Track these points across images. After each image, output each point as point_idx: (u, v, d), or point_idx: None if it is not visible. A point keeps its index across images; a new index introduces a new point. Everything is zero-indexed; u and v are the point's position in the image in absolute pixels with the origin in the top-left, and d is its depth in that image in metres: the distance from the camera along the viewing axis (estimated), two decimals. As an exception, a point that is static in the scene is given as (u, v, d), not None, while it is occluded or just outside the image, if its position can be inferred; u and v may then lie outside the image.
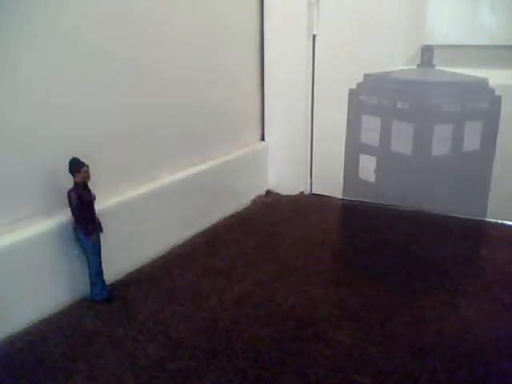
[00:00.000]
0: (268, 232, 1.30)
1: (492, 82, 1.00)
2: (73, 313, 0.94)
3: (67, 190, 0.91)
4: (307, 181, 1.61)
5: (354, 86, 1.07)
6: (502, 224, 1.33)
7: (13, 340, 0.86)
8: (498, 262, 1.13)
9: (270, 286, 1.03)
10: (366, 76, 1.06)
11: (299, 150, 1.57)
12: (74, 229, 0.94)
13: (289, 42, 1.48)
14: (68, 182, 0.92)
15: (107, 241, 0.99)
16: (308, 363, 0.80)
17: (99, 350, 0.83)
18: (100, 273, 0.97)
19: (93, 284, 0.96)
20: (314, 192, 1.62)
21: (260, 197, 1.57)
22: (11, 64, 0.85)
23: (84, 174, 0.91)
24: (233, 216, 1.41)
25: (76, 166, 0.91)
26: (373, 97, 1.00)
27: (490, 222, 1.24)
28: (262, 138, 1.61)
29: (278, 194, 1.60)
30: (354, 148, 1.07)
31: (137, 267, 1.11)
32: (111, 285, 1.02)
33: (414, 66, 1.06)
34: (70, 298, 0.97)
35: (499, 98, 0.98)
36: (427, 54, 1.03)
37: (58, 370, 0.79)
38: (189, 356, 0.82)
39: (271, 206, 1.51)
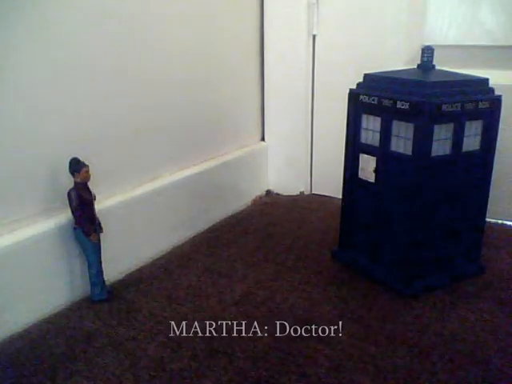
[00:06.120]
0: (268, 232, 1.30)
1: (492, 82, 1.00)
2: (73, 313, 0.94)
3: (67, 190, 0.91)
4: (307, 181, 1.61)
5: (353, 86, 1.06)
6: (502, 224, 1.34)
7: (13, 340, 0.86)
8: (498, 261, 1.13)
9: (269, 286, 1.03)
10: (366, 76, 1.05)
11: (299, 150, 1.57)
12: (74, 229, 0.94)
13: (289, 42, 1.48)
14: (68, 182, 0.92)
15: (107, 241, 1.00)
16: (308, 363, 0.80)
17: (99, 350, 0.83)
18: (100, 273, 0.97)
19: (93, 284, 0.97)
20: (314, 192, 1.62)
21: (260, 197, 1.57)
22: (12, 65, 0.85)
23: (84, 174, 0.91)
24: (233, 216, 1.42)
25: (76, 166, 0.91)
26: (373, 97, 1.00)
27: (490, 222, 1.24)
28: (262, 139, 1.61)
29: (278, 194, 1.60)
30: (353, 148, 1.07)
31: (137, 267, 1.11)
32: (111, 285, 1.02)
33: (414, 66, 1.05)
34: (70, 298, 0.97)
35: (499, 97, 0.98)
36: (427, 53, 1.03)
37: (58, 369, 0.79)
38: (189, 356, 0.82)
39: (271, 206, 1.51)
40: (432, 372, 0.79)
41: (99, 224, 0.97)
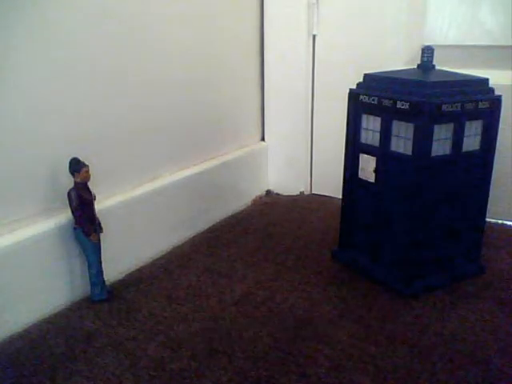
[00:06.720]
0: (268, 232, 1.30)
1: (492, 82, 1.00)
2: (73, 313, 0.94)
3: (67, 190, 0.91)
4: (307, 181, 1.61)
5: (353, 86, 1.06)
6: (502, 224, 1.34)
7: (13, 340, 0.86)
8: (498, 261, 1.13)
9: (269, 286, 1.03)
10: (366, 76, 1.05)
11: (299, 150, 1.57)
12: (74, 229, 0.94)
13: (289, 42, 1.48)
14: (68, 182, 0.92)
15: (107, 241, 1.00)
16: (308, 363, 0.80)
17: (99, 349, 0.83)
18: (100, 273, 0.97)
19: (93, 284, 0.97)
20: (314, 192, 1.62)
21: (260, 197, 1.57)
22: (12, 65, 0.85)
23: (84, 174, 0.91)
24: (233, 216, 1.42)
25: (76, 166, 0.91)
26: (373, 97, 1.00)
27: (490, 222, 1.24)
28: (262, 139, 1.61)
29: (278, 194, 1.60)
30: (353, 148, 1.07)
31: (137, 267, 1.11)
32: (111, 285, 1.02)
33: (414, 66, 1.05)
34: (70, 298, 0.97)
35: (499, 98, 0.98)
36: (427, 54, 1.03)
37: (58, 369, 0.79)
38: (189, 356, 0.82)
39: (271, 206, 1.51)
40: (432, 372, 0.79)
41: (99, 224, 0.97)
